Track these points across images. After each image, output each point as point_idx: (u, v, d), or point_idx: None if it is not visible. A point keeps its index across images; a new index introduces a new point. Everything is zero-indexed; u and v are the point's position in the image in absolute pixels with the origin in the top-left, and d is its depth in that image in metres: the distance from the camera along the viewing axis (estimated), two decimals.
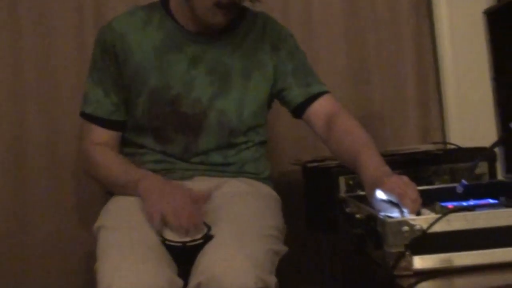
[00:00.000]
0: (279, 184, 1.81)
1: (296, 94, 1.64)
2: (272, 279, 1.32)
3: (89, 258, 1.52)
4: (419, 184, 1.28)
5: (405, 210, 1.19)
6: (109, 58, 1.59)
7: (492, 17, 1.58)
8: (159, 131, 1.60)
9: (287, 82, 1.65)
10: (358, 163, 1.41)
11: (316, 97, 1.63)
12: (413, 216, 1.15)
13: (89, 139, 1.62)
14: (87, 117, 1.63)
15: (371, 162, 1.38)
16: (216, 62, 1.60)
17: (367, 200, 1.33)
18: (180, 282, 1.31)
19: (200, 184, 1.56)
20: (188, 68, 1.58)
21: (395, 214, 1.19)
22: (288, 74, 1.65)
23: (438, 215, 1.11)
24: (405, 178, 1.27)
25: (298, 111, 1.65)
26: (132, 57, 1.58)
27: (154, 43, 1.59)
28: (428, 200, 1.29)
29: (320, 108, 1.63)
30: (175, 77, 1.58)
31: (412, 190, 1.23)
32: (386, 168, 1.36)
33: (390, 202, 1.22)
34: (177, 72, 1.58)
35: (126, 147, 1.66)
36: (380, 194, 1.24)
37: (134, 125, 1.62)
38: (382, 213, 1.20)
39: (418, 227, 1.10)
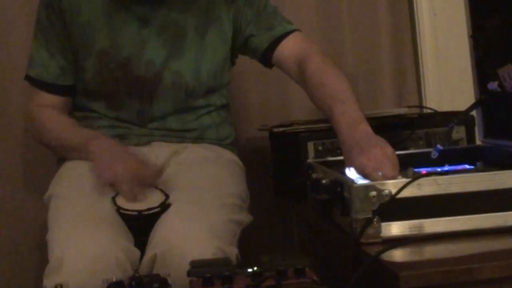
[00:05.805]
0: (246, 150, 1.77)
1: (260, 41, 1.54)
2: (233, 250, 1.26)
3: (41, 229, 1.46)
4: None
5: None
6: (55, 16, 1.51)
7: None
8: (111, 96, 1.53)
9: (248, 30, 1.55)
10: (332, 125, 1.32)
11: (280, 39, 1.53)
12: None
13: (35, 102, 1.56)
14: (31, 80, 1.56)
15: (343, 124, 1.27)
16: (168, 21, 1.51)
17: (337, 166, 1.28)
18: (137, 252, 1.26)
19: (157, 150, 1.50)
20: (138, 29, 1.50)
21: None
22: (249, 22, 1.55)
23: (408, 179, 1.07)
24: (388, 151, 1.19)
25: (266, 59, 1.55)
26: (79, 14, 1.50)
27: (102, 0, 1.50)
28: (402, 166, 1.23)
29: (286, 51, 1.52)
30: (124, 38, 1.50)
31: (389, 169, 1.14)
32: (361, 129, 1.25)
33: None
34: (126, 33, 1.49)
35: (77, 111, 1.59)
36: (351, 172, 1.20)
37: (84, 90, 1.55)
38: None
39: (386, 192, 1.06)
